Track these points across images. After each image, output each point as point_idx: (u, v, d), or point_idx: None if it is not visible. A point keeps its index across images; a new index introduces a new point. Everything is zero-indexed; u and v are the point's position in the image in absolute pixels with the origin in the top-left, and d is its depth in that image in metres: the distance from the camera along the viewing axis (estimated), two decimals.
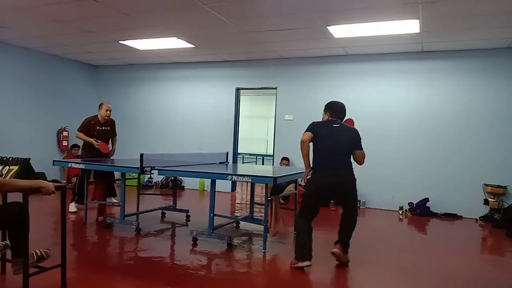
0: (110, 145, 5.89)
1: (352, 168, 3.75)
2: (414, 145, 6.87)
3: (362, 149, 3.82)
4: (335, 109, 3.87)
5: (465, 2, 4.55)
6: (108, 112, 5.73)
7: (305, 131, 3.71)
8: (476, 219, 6.34)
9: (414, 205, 6.65)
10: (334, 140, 3.68)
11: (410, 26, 5.40)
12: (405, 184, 6.81)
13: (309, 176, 3.76)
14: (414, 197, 6.71)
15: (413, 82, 6.93)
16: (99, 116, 5.72)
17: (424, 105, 6.84)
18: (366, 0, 4.60)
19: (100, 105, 5.79)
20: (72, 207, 5.76)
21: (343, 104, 3.93)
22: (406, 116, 6.94)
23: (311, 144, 3.72)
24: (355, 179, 3.77)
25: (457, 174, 6.59)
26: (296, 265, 3.59)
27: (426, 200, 6.59)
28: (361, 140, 3.82)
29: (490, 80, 6.46)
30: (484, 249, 5.05)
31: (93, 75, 9.58)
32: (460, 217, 6.46)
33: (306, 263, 3.55)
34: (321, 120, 3.92)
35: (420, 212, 6.54)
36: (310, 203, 3.75)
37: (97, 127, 5.68)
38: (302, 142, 3.67)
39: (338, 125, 3.76)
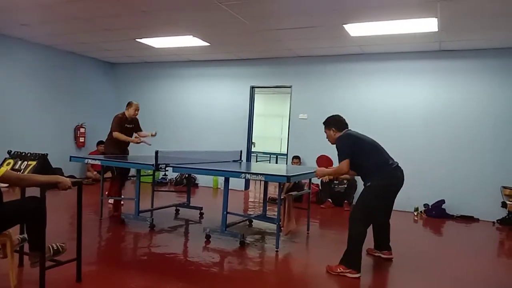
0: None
1: None
2: (430, 145, 6.76)
3: None
4: (339, 122, 3.85)
5: (484, 0, 4.45)
6: (137, 112, 5.87)
7: (342, 160, 3.55)
8: (493, 222, 6.21)
9: (430, 207, 6.56)
10: (375, 143, 3.73)
11: (428, 24, 5.32)
12: (421, 185, 6.70)
13: (370, 183, 3.57)
14: (429, 199, 6.61)
15: (431, 82, 6.82)
16: (126, 114, 5.82)
17: (442, 105, 6.73)
18: None
19: (130, 104, 5.87)
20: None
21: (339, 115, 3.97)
22: (423, 116, 6.83)
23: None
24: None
25: (474, 175, 6.46)
26: (348, 273, 3.41)
27: (442, 201, 6.49)
28: None
29: (508, 80, 6.31)
30: (501, 252, 4.95)
31: (110, 73, 9.70)
32: (477, 220, 6.34)
33: (359, 275, 3.41)
34: (329, 136, 3.89)
35: (435, 214, 6.44)
36: (377, 209, 3.64)
37: (125, 125, 5.80)
38: (345, 173, 3.63)
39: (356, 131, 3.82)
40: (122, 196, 5.73)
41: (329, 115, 3.94)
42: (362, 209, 3.57)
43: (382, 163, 3.61)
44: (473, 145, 6.51)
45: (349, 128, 3.83)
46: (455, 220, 6.31)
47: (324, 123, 3.92)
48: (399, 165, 3.71)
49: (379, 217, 3.79)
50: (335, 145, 3.71)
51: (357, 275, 3.40)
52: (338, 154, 3.62)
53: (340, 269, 3.45)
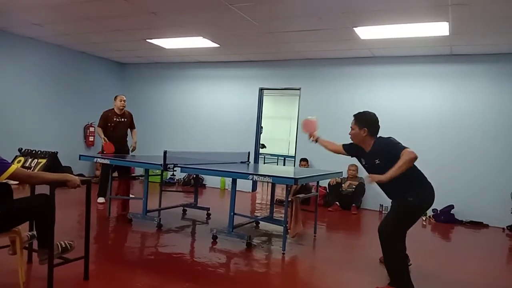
0: (127, 139, 6.20)
1: None
2: (439, 150, 6.71)
3: None
4: (375, 124, 3.35)
5: (496, 4, 4.41)
6: (123, 102, 6.04)
7: (405, 146, 3.10)
8: (503, 228, 6.13)
9: (439, 212, 6.50)
10: None
11: (440, 28, 5.28)
12: None
13: (412, 198, 3.15)
14: (438, 204, 6.51)
15: (441, 86, 6.77)
16: (115, 108, 6.04)
17: (452, 109, 6.67)
18: (394, 1, 4.52)
19: (115, 97, 6.12)
20: (101, 199, 6.09)
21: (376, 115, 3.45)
22: (433, 119, 6.78)
23: None
24: None
25: (484, 181, 6.39)
26: None
27: (451, 207, 6.43)
28: None
29: None
30: (510, 259, 4.88)
31: (120, 73, 9.77)
32: (486, 226, 6.27)
33: None
34: (355, 135, 3.39)
35: (444, 219, 6.38)
36: (412, 221, 3.26)
37: (114, 118, 6.00)
38: (415, 158, 3.03)
39: None
40: (117, 195, 5.75)
41: (366, 111, 3.43)
42: (400, 219, 3.19)
43: (422, 176, 3.25)
44: (482, 150, 6.44)
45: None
46: (464, 226, 6.25)
47: (357, 117, 3.38)
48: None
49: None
50: (368, 150, 3.33)
51: None
52: (386, 153, 3.14)
53: None
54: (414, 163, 3.09)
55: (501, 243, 5.47)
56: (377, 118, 3.37)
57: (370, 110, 3.45)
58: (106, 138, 5.83)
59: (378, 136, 3.34)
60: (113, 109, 6.05)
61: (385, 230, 3.20)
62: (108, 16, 5.79)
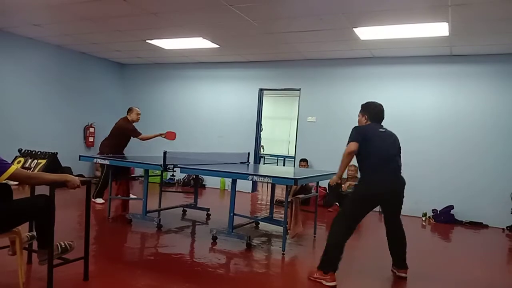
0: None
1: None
2: (439, 150, 6.71)
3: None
4: (374, 112, 3.59)
5: (496, 5, 4.41)
6: (139, 116, 6.09)
7: (351, 141, 3.34)
8: (503, 229, 6.14)
9: (438, 212, 6.50)
10: (387, 145, 3.45)
11: (439, 29, 5.28)
12: (429, 190, 6.65)
13: (355, 183, 3.41)
14: (438, 204, 6.55)
15: (440, 86, 6.77)
16: (129, 119, 6.03)
17: (451, 109, 6.67)
18: (394, 2, 4.53)
19: (131, 109, 6.10)
20: (100, 200, 6.08)
21: (381, 106, 3.63)
22: (433, 120, 6.79)
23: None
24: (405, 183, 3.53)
25: (484, 181, 6.39)
26: (324, 281, 3.23)
27: (451, 207, 6.43)
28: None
29: None
30: (510, 260, 4.88)
31: (120, 73, 9.77)
32: (486, 226, 6.27)
33: (335, 283, 3.22)
34: (359, 121, 3.64)
35: (444, 220, 6.38)
36: (360, 212, 3.41)
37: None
38: (348, 153, 3.32)
39: (383, 130, 3.53)
40: (117, 196, 5.76)
41: (372, 101, 3.67)
42: (348, 210, 3.44)
43: (378, 166, 3.37)
44: (482, 150, 6.44)
45: (380, 124, 3.57)
46: (464, 226, 6.25)
47: (361, 106, 3.68)
48: (400, 176, 3.47)
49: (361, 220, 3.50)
50: None
51: (333, 284, 3.21)
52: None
53: (318, 276, 3.31)
54: (370, 155, 3.37)
55: (501, 244, 5.47)
56: (379, 107, 3.60)
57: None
58: (161, 133, 6.09)
59: (377, 123, 3.56)
60: (126, 118, 6.04)
61: (337, 215, 3.47)
62: (108, 16, 5.79)
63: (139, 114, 6.09)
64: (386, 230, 3.66)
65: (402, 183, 3.49)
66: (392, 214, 3.62)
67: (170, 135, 6.12)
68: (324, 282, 3.24)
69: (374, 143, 3.39)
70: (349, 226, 3.37)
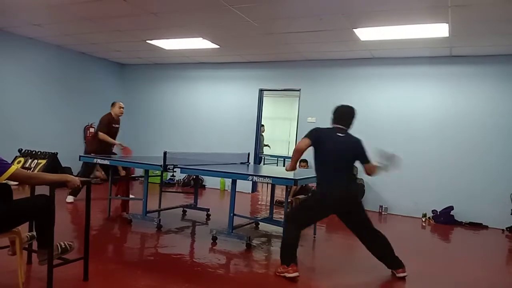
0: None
1: (355, 180, 3.58)
2: (439, 151, 6.71)
3: (369, 161, 3.51)
4: (338, 113, 3.60)
5: (496, 6, 4.42)
6: (122, 110, 5.99)
7: (304, 137, 3.45)
8: (503, 230, 6.13)
9: (438, 213, 6.50)
10: (336, 151, 3.43)
11: (439, 30, 5.29)
12: (429, 190, 6.66)
13: (314, 188, 3.56)
14: (438, 205, 6.55)
15: (440, 87, 6.77)
16: (113, 114, 5.95)
17: (451, 110, 6.67)
18: (394, 3, 4.53)
19: (114, 104, 6.04)
20: (70, 198, 5.92)
21: (350, 108, 3.60)
22: (432, 120, 6.78)
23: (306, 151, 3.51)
24: (358, 192, 3.56)
25: (484, 182, 6.40)
26: (287, 273, 3.31)
27: (451, 208, 6.43)
28: (366, 152, 3.53)
29: None
30: (510, 260, 4.88)
31: (120, 73, 9.78)
32: (486, 227, 6.27)
33: (296, 274, 3.30)
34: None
35: (444, 220, 6.38)
36: (312, 215, 3.59)
37: (113, 125, 5.95)
38: (296, 150, 3.45)
39: (342, 135, 3.49)
40: (117, 196, 5.75)
41: (343, 104, 3.67)
42: (300, 210, 3.59)
43: (324, 173, 3.48)
44: (482, 151, 6.45)
45: (343, 128, 3.53)
46: (464, 227, 6.25)
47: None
48: (346, 186, 3.44)
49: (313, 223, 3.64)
50: None
51: (294, 275, 3.28)
52: None
53: (281, 271, 3.39)
54: (320, 159, 3.47)
55: (501, 245, 5.47)
56: (346, 109, 3.60)
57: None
58: (121, 143, 5.86)
59: (340, 127, 3.56)
60: (110, 114, 5.99)
61: (289, 212, 3.67)
62: (108, 16, 5.79)
63: (122, 107, 6.02)
64: (362, 242, 3.61)
65: (351, 191, 3.50)
66: (358, 223, 3.59)
67: (126, 151, 5.94)
68: (287, 274, 3.32)
69: (326, 146, 3.44)
70: (303, 224, 3.57)
